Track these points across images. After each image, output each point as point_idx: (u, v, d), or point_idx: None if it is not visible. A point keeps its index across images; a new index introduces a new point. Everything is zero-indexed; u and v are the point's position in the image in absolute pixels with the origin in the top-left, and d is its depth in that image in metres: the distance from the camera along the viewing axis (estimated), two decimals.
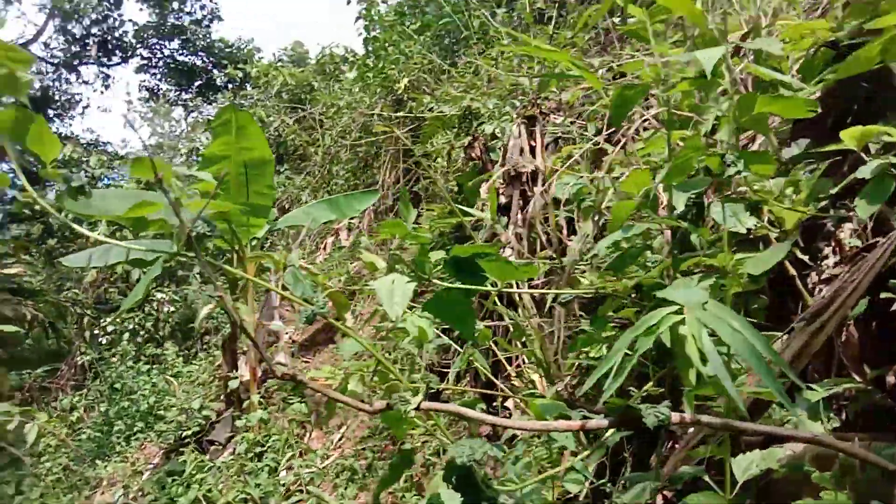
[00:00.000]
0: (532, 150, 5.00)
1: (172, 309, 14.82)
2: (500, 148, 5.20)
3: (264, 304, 9.48)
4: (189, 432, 7.50)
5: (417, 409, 1.39)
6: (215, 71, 23.27)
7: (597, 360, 2.60)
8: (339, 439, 7.10)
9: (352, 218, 10.82)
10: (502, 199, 5.19)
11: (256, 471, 6.56)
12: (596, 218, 2.14)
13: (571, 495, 3.06)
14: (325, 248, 10.88)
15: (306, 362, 8.19)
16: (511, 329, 3.43)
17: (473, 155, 5.31)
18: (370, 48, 9.25)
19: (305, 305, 1.49)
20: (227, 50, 22.37)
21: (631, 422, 1.29)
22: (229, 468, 6.60)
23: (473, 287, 1.73)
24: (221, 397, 9.47)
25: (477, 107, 5.43)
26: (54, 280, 18.17)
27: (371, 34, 9.19)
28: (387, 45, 8.76)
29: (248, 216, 7.59)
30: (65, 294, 16.64)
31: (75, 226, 1.54)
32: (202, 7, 22.01)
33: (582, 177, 2.41)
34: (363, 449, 6.85)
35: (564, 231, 2.59)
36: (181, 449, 7.98)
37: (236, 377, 7.42)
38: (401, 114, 7.32)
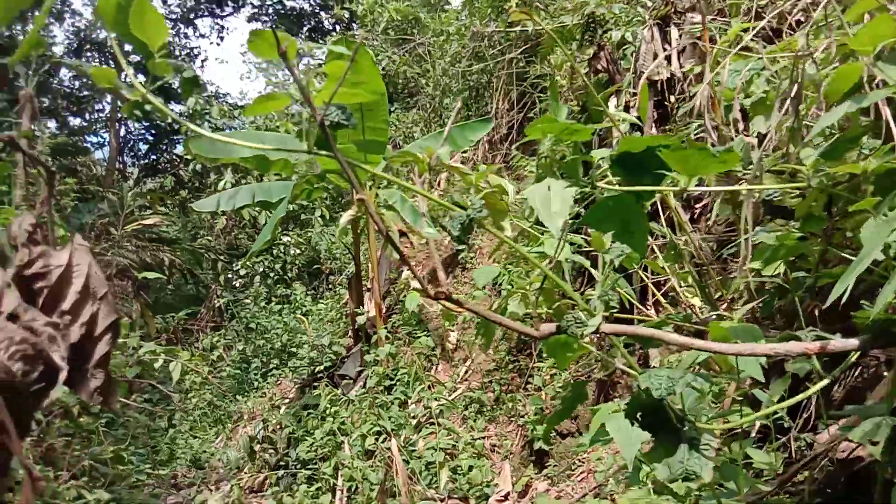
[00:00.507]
0: (667, 55, 4.49)
1: (298, 251, 15.33)
2: (631, 55, 4.72)
3: (384, 244, 9.53)
4: (321, 367, 7.71)
5: (597, 332, 1.15)
6: (322, 13, 23.33)
7: (773, 277, 2.23)
8: (466, 372, 7.05)
9: (464, 151, 10.57)
10: (633, 113, 4.74)
11: (387, 404, 6.66)
12: (792, 100, 1.75)
13: (739, 429, 2.75)
14: (439, 185, 10.75)
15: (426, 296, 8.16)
16: (658, 249, 3.09)
17: (599, 67, 4.85)
18: None
19: (458, 211, 1.24)
20: None
21: (890, 339, 0.99)
22: (361, 401, 6.73)
23: (649, 189, 1.43)
24: (349, 333, 9.71)
25: (601, 13, 4.94)
26: (188, 229, 19.31)
27: None
28: None
29: (364, 153, 7.51)
30: (199, 241, 17.63)
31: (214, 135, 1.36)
32: None
33: (761, 57, 1.98)
34: (489, 382, 6.77)
35: (740, 125, 2.21)
36: (314, 384, 8.28)
37: (363, 313, 7.49)
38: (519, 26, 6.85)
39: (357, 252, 7.97)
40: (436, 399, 6.55)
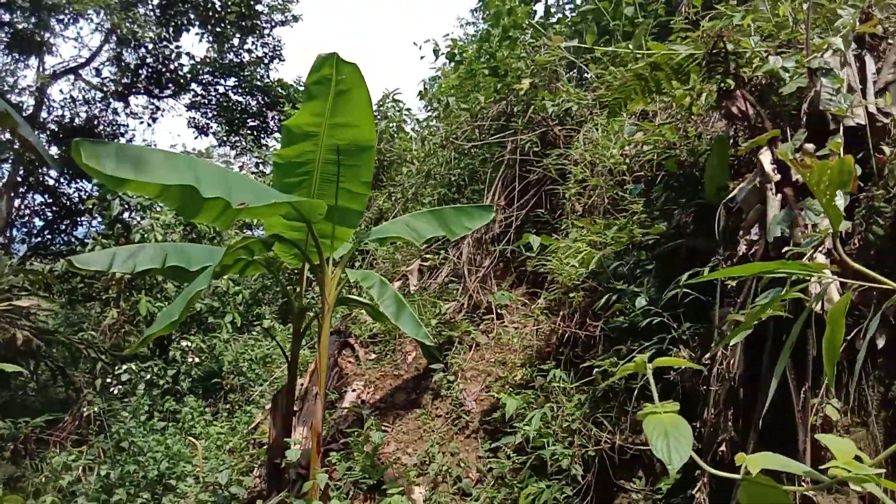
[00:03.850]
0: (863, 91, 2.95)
1: (197, 360, 12.81)
2: (785, 95, 3.18)
3: (330, 346, 7.35)
4: None
5: None
6: (270, 113, 21.96)
7: None
8: None
9: (424, 259, 8.76)
10: (800, 177, 3.11)
11: None
12: None
13: None
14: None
15: (384, 430, 5.95)
16: None
17: (735, 110, 3.29)
18: (484, 46, 7.43)
19: None
20: (285, 92, 21.03)
21: None
22: None
23: None
24: (257, 471, 7.24)
25: (732, 47, 3.43)
26: (72, 322, 16.39)
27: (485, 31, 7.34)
28: (506, 38, 6.96)
29: (333, 224, 5.58)
30: (80, 335, 14.76)
31: None
32: (263, 45, 20.85)
33: None
34: None
35: None
36: None
37: (297, 444, 5.19)
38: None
39: (294, 357, 5.79)
40: None
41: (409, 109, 11.45)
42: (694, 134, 4.48)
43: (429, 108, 8.98)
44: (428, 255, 8.30)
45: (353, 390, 6.73)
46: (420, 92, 8.74)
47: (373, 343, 7.74)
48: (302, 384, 7.44)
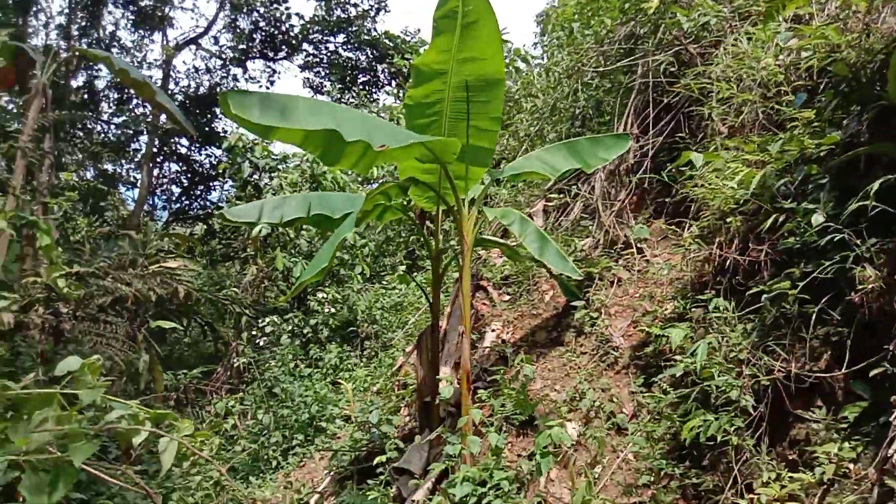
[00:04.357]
0: None
1: (333, 310, 13.29)
2: None
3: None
4: (383, 458, 5.44)
5: None
6: (380, 67, 22.11)
7: None
8: (594, 486, 4.77)
9: (549, 199, 8.52)
10: None
11: None
12: None
13: None
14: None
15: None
16: None
17: None
18: None
19: None
20: (393, 44, 21.07)
21: None
22: None
23: None
24: (404, 410, 7.50)
25: None
26: (214, 281, 17.51)
27: None
28: None
29: (465, 164, 5.53)
30: (224, 292, 15.79)
31: None
32: None
33: None
34: None
35: None
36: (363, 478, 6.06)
37: (450, 381, 5.29)
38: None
39: (436, 300, 5.87)
40: None
41: (517, 49, 11.16)
42: (864, 32, 4.01)
43: (549, 38, 8.62)
44: (552, 196, 8.09)
45: (493, 330, 6.76)
46: (542, 19, 8.41)
47: (506, 285, 7.71)
48: (440, 326, 7.57)
